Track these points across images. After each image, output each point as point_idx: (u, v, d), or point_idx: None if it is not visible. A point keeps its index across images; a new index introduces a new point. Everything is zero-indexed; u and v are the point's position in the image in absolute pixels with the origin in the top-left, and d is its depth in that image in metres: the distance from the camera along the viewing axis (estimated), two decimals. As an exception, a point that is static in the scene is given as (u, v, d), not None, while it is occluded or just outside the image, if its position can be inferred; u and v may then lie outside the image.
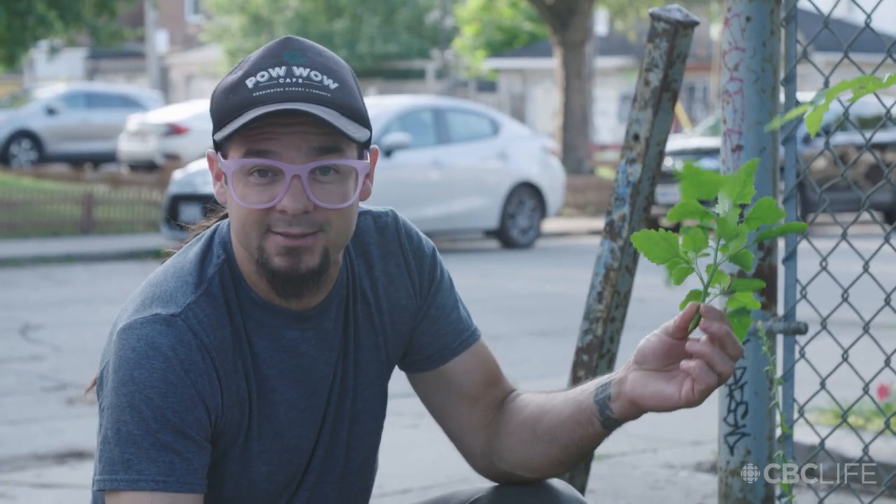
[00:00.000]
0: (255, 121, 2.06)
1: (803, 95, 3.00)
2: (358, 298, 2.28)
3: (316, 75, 2.12)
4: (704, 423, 5.80)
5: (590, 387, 2.20)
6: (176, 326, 2.12)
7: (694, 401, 2.06)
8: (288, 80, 2.10)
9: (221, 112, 2.13)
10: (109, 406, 2.11)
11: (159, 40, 47.92)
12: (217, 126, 2.14)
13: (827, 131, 15.46)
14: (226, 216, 2.30)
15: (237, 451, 2.20)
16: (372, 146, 2.21)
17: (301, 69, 2.12)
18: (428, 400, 2.38)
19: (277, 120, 2.08)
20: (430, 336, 2.34)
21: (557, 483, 2.33)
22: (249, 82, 2.11)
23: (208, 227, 2.33)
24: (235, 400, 2.17)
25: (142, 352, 2.10)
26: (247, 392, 2.19)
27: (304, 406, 2.24)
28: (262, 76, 2.11)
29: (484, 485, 2.38)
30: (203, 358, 2.13)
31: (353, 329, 2.28)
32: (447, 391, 2.35)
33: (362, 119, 2.15)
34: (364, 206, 2.32)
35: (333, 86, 2.12)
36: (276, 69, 2.11)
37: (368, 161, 2.17)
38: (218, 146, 2.16)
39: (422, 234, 2.36)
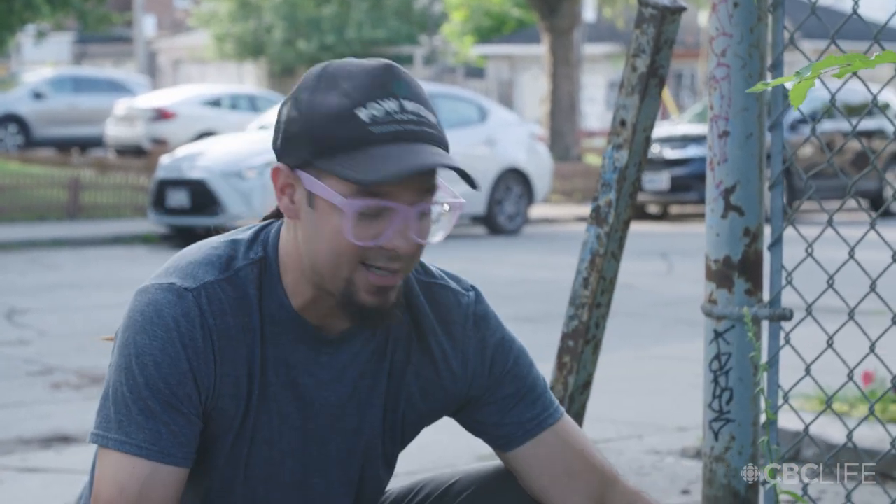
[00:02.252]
0: (395, 176, 2.03)
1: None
2: (397, 353, 2.26)
3: (422, 110, 2.10)
4: (689, 410, 5.81)
5: None
6: (185, 300, 2.13)
7: None
8: (403, 117, 2.07)
9: (329, 141, 2.07)
10: (113, 364, 2.15)
11: (147, 25, 47.83)
12: (322, 153, 2.08)
13: (814, 118, 15.47)
14: (274, 218, 2.28)
15: (227, 446, 2.20)
16: None
17: (410, 103, 2.09)
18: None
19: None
20: (491, 421, 2.30)
21: None
22: (363, 115, 2.06)
23: (260, 222, 2.30)
24: (232, 391, 2.17)
25: (148, 317, 2.12)
26: (247, 390, 2.18)
27: (298, 425, 2.23)
28: (377, 110, 2.07)
29: (464, 467, 2.38)
30: (203, 338, 2.13)
31: (384, 377, 2.25)
32: (525, 477, 2.31)
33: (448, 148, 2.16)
34: (450, 276, 2.31)
35: (434, 120, 2.11)
36: (388, 102, 2.07)
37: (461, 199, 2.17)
38: (299, 164, 2.11)
39: (500, 329, 2.31)
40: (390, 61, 2.13)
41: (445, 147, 2.12)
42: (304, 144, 2.10)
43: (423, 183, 2.09)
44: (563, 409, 2.34)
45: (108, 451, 2.13)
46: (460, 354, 2.27)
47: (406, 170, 2.03)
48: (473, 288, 2.32)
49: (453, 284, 2.30)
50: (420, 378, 2.27)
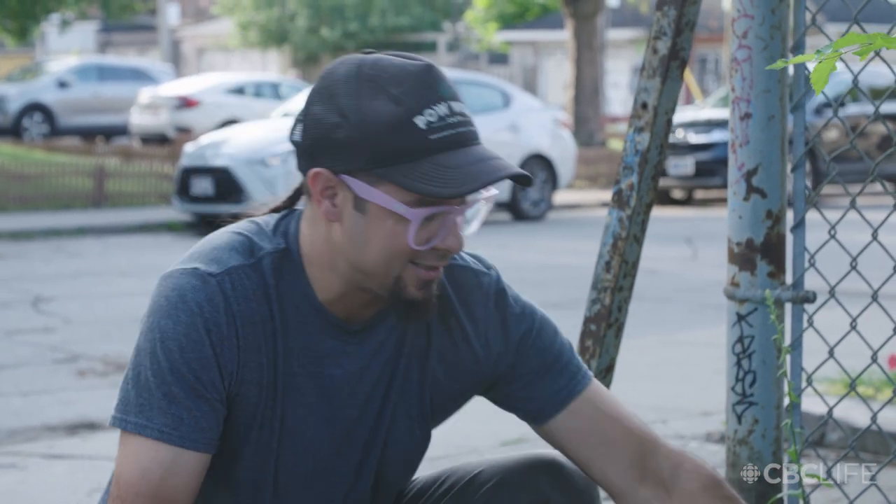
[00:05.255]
0: (471, 190, 2.09)
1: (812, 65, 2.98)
2: (420, 335, 2.27)
3: (464, 109, 2.14)
4: (714, 395, 5.80)
5: None
6: (209, 285, 2.13)
7: None
8: (454, 120, 2.11)
9: (389, 150, 2.08)
10: (137, 347, 2.16)
11: (171, 13, 47.85)
12: (380, 161, 2.09)
13: (837, 101, 15.37)
14: (286, 208, 2.28)
15: (253, 436, 2.20)
16: None
17: (455, 104, 2.13)
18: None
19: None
20: (520, 396, 2.30)
21: (564, 458, 2.33)
22: (420, 122, 2.08)
23: (278, 209, 2.30)
24: (255, 376, 2.17)
25: (173, 302, 2.13)
26: (271, 378, 2.18)
27: (328, 415, 2.23)
28: (431, 115, 2.09)
29: (489, 457, 2.39)
30: (227, 323, 2.13)
31: (405, 360, 2.26)
32: (565, 450, 2.31)
33: None
34: (471, 255, 2.34)
35: (469, 113, 2.16)
36: (440, 106, 2.10)
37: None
38: (346, 170, 2.11)
39: (519, 302, 2.32)
40: (428, 61, 2.14)
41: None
42: (357, 152, 2.09)
43: None
44: (591, 373, 2.33)
45: (129, 435, 2.14)
46: (482, 335, 2.28)
47: (480, 183, 2.09)
48: (493, 266, 2.33)
49: (474, 264, 2.32)
50: (443, 361, 2.27)
